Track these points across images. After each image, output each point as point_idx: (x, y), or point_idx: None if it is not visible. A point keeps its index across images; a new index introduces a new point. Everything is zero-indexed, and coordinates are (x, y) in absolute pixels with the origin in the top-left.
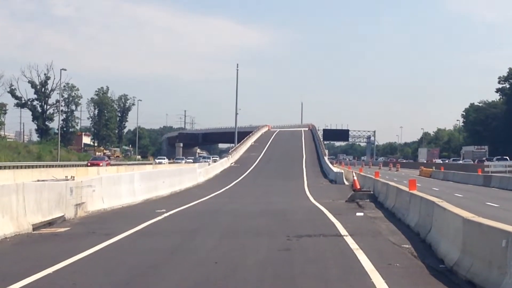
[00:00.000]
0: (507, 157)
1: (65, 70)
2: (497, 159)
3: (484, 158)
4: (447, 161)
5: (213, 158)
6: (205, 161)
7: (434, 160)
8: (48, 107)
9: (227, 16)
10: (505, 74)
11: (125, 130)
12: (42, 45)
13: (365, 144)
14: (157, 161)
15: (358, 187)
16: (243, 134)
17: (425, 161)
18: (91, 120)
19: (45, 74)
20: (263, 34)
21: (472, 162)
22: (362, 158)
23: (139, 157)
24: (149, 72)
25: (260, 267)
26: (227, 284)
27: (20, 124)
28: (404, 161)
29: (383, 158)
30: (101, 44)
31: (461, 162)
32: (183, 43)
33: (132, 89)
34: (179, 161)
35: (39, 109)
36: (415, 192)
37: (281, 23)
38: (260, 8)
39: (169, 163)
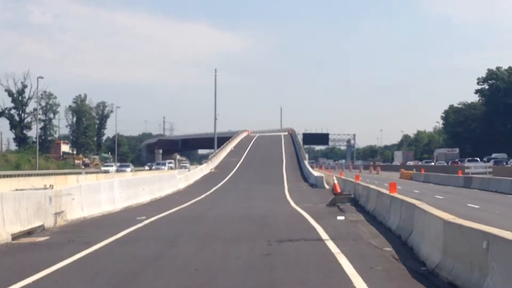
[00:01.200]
0: (478, 159)
1: (42, 78)
2: (468, 160)
3: (456, 160)
4: (419, 163)
5: (169, 164)
6: (158, 168)
7: (406, 162)
8: (26, 115)
9: (205, 22)
10: (484, 75)
11: (104, 138)
12: (20, 54)
13: (345, 147)
14: (103, 169)
15: (339, 190)
16: (223, 140)
17: (398, 164)
18: (70, 128)
19: (22, 83)
20: (242, 39)
21: (445, 164)
22: (340, 161)
23: (118, 164)
24: (128, 79)
25: (241, 273)
26: None
27: None
28: (382, 164)
29: (361, 162)
30: (79, 52)
31: (432, 164)
32: (162, 49)
33: (110, 97)
34: (124, 168)
35: (17, 118)
36: (395, 195)
37: (259, 28)
38: (238, 14)
39: (116, 171)
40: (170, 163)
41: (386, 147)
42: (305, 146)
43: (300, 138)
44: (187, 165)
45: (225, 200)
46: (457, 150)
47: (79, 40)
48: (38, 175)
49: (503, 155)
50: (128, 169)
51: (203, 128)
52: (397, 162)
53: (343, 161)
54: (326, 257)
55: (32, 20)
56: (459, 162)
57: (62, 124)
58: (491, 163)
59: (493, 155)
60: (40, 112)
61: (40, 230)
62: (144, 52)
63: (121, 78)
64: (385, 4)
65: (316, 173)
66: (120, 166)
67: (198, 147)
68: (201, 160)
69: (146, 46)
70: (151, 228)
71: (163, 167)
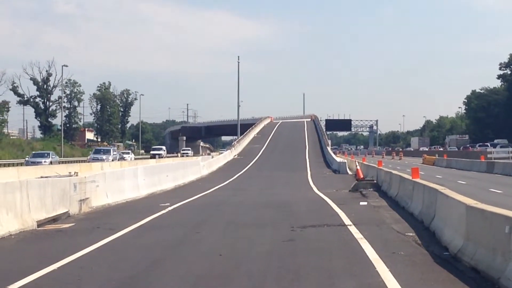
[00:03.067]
0: (488, 144)
1: (66, 66)
2: (479, 146)
3: (467, 145)
4: (427, 148)
5: (183, 152)
6: (97, 159)
7: (419, 148)
8: (51, 103)
9: (229, 10)
10: (506, 60)
11: (128, 125)
12: (44, 43)
13: (368, 133)
14: (27, 159)
15: (362, 176)
16: (246, 126)
17: (412, 150)
18: (94, 116)
19: (46, 71)
20: (265, 27)
21: (456, 149)
22: (358, 147)
23: (143, 151)
24: (152, 67)
25: (265, 258)
26: (231, 276)
27: (23, 121)
28: (400, 150)
29: (379, 148)
30: (103, 40)
31: (441, 149)
32: (185, 37)
33: (134, 84)
34: (39, 160)
35: (42, 106)
36: (418, 180)
37: (282, 15)
38: (261, 1)
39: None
40: (184, 150)
41: (408, 132)
42: (328, 132)
43: (322, 124)
44: (189, 152)
45: (248, 187)
46: (467, 137)
47: (103, 29)
48: (63, 162)
49: (504, 141)
50: (46, 161)
51: (226, 115)
52: (411, 148)
53: (361, 147)
54: (349, 243)
55: (56, 10)
56: (470, 147)
57: (86, 112)
58: (498, 148)
59: (495, 141)
60: (65, 100)
61: (65, 217)
62: (167, 40)
63: (145, 66)
64: None
65: (339, 159)
66: (33, 156)
67: (222, 134)
68: (224, 147)
69: (169, 34)
70: (175, 215)
71: (104, 156)
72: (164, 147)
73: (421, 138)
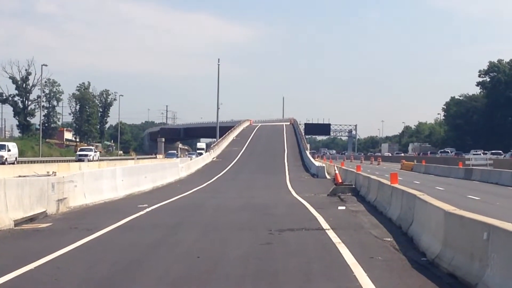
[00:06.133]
0: (449, 151)
1: (46, 65)
2: (441, 152)
3: (428, 152)
4: (386, 154)
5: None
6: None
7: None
8: (30, 102)
9: (211, 12)
10: (485, 68)
11: (107, 126)
12: (25, 42)
13: (347, 138)
14: None
15: (340, 181)
16: (225, 129)
17: (379, 155)
18: (73, 116)
19: (26, 70)
20: (246, 30)
21: (415, 154)
22: (331, 151)
23: (121, 152)
24: (132, 68)
25: (242, 261)
26: (209, 278)
27: (1, 120)
28: (374, 155)
29: (346, 153)
30: (84, 41)
31: (402, 155)
32: (167, 39)
33: (114, 85)
34: None
35: (20, 105)
36: (396, 185)
37: (263, 18)
38: (243, 4)
39: None
40: (83, 151)
41: (387, 138)
42: (307, 136)
43: (302, 128)
44: (90, 154)
45: (226, 189)
46: (427, 144)
47: (84, 29)
48: (41, 162)
49: (452, 149)
50: None
51: (205, 117)
52: (379, 153)
53: (333, 151)
54: (327, 247)
55: (38, 9)
56: (429, 153)
57: (65, 112)
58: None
59: (446, 149)
60: (44, 99)
61: (42, 216)
62: (148, 41)
63: (125, 67)
64: None
65: (317, 163)
66: None
67: (201, 136)
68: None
69: (151, 36)
70: (153, 216)
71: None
72: (13, 144)
73: (390, 144)
